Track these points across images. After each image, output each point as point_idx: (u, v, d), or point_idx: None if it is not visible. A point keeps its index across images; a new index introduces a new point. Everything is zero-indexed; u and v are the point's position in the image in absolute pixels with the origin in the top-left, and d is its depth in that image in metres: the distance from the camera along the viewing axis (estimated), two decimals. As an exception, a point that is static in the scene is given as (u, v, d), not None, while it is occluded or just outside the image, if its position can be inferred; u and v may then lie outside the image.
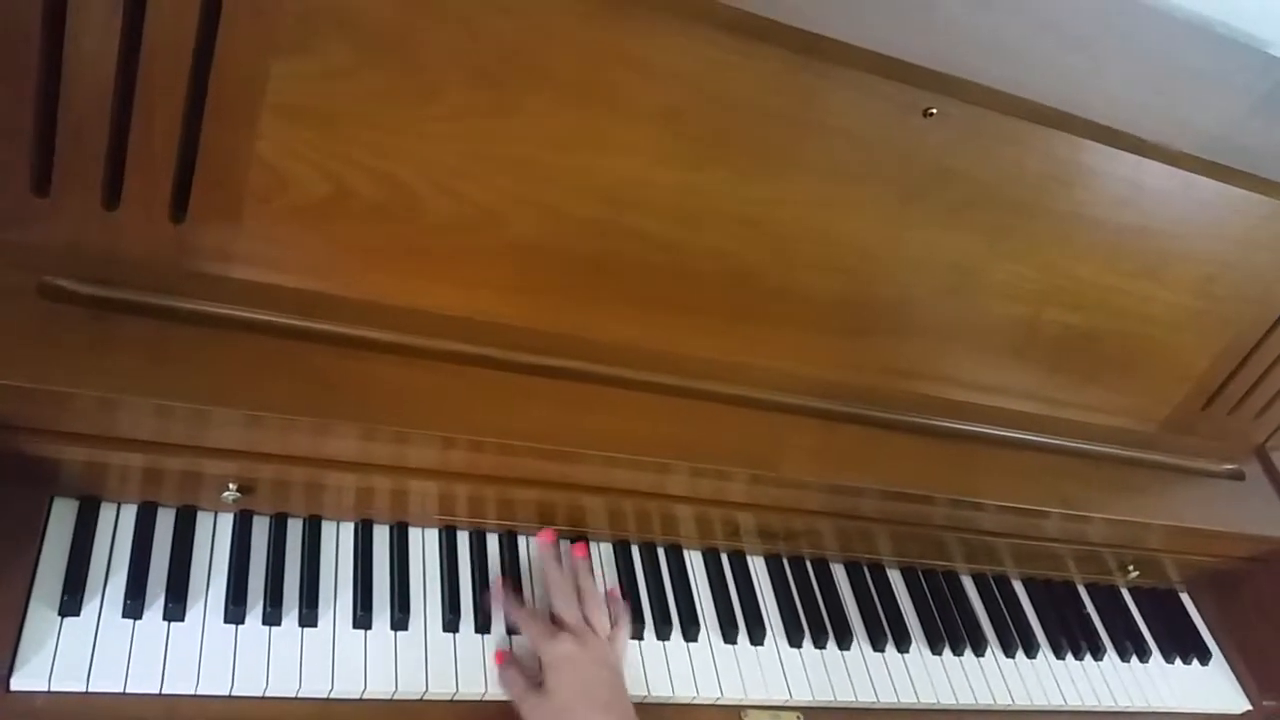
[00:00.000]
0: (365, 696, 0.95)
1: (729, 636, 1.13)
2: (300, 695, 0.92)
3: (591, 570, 1.09)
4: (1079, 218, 1.10)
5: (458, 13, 0.83)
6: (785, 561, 1.23)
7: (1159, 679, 1.35)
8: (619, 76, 0.89)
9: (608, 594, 1.09)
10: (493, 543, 1.09)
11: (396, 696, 0.96)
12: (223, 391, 0.88)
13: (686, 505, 1.13)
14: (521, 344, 1.02)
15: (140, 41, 0.78)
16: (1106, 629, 1.37)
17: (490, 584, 1.06)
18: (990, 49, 1.05)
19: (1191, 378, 1.32)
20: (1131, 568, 1.40)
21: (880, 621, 1.23)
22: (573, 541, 1.13)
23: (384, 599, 1.00)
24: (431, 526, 1.08)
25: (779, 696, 1.11)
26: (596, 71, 0.88)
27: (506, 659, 1.00)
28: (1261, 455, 1.44)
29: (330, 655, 0.95)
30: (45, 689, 0.84)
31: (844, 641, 1.19)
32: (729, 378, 1.11)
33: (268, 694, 0.91)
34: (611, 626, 1.04)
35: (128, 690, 0.87)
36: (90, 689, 0.86)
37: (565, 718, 0.93)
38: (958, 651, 1.25)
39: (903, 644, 1.22)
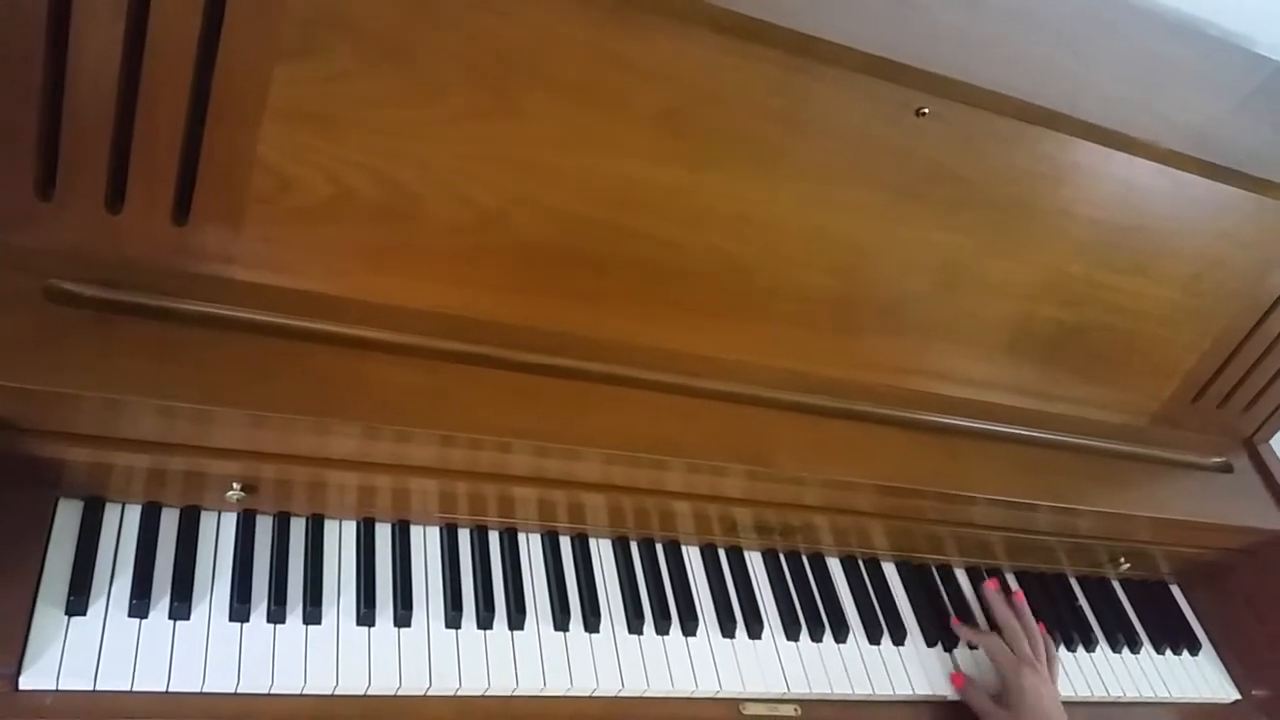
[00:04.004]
0: (369, 693, 0.96)
1: (727, 631, 1.14)
2: (305, 692, 0.93)
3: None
4: (1069, 215, 1.12)
5: (458, 17, 0.84)
6: (782, 556, 1.25)
7: (1150, 669, 1.37)
8: (617, 78, 0.91)
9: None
10: (494, 540, 1.10)
11: (400, 693, 0.97)
12: (226, 392, 0.89)
13: (684, 501, 1.14)
14: (521, 343, 1.03)
15: (144, 45, 0.79)
16: (1098, 620, 1.39)
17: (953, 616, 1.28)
18: (981, 49, 1.06)
19: (1180, 372, 1.33)
20: (1122, 560, 1.42)
21: (876, 614, 1.24)
22: (987, 576, 1.32)
23: (387, 596, 1.01)
24: (433, 524, 1.08)
25: (776, 690, 1.12)
26: (595, 74, 0.90)
27: (966, 680, 1.20)
28: (1249, 448, 1.46)
29: (334, 652, 0.96)
30: (53, 688, 0.85)
31: (840, 635, 1.20)
32: (726, 375, 1.12)
33: (273, 691, 0.92)
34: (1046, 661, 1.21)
35: (134, 688, 0.87)
36: (97, 687, 0.86)
37: None
38: (952, 644, 1.26)
39: (898, 637, 1.23)
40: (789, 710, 1.13)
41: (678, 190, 0.99)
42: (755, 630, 1.16)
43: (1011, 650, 1.21)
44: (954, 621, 1.27)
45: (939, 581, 1.32)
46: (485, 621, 1.04)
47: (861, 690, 1.17)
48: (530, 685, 1.01)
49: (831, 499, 1.19)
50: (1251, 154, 1.15)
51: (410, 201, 0.93)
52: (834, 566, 1.28)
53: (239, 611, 0.94)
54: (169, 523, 0.97)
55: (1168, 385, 1.34)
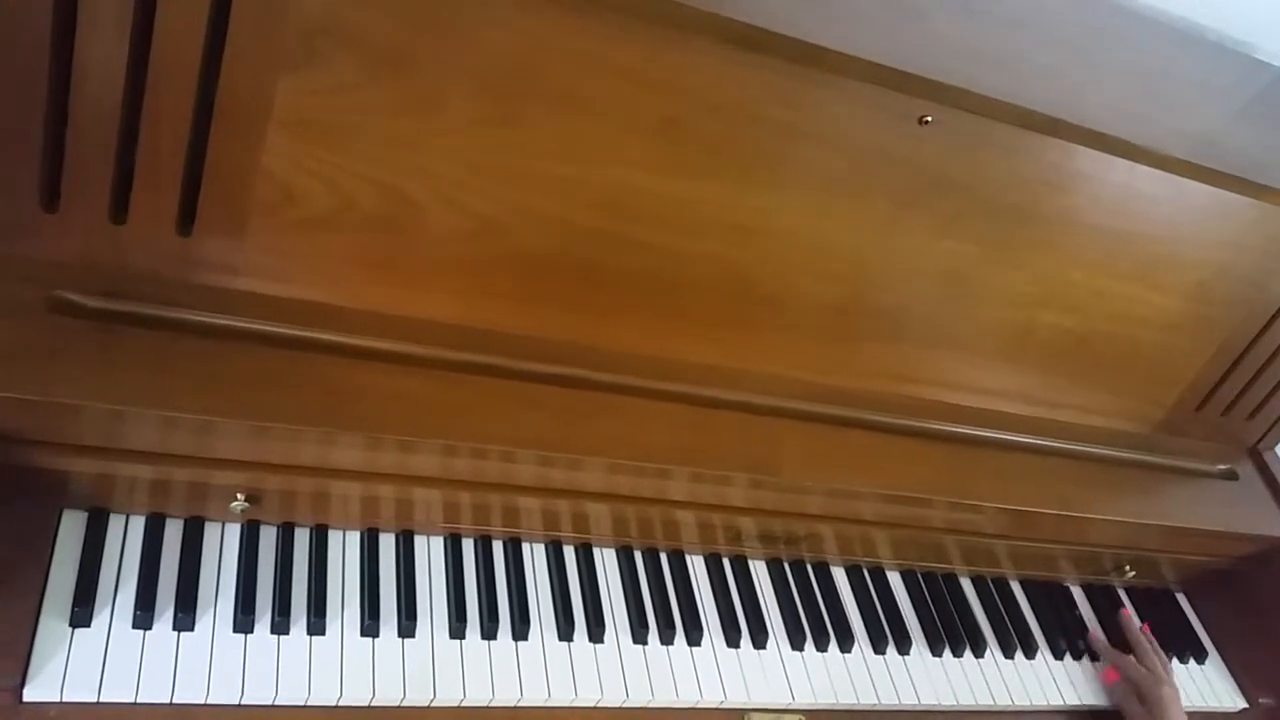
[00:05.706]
0: (374, 704, 0.95)
1: (732, 640, 1.14)
2: (309, 703, 0.93)
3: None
4: (1072, 223, 1.12)
5: (460, 28, 0.84)
6: (787, 565, 1.24)
7: (1157, 678, 1.37)
8: (618, 88, 0.91)
9: None
10: (498, 550, 1.10)
11: (405, 704, 0.97)
12: (230, 403, 0.89)
13: (689, 511, 1.14)
14: (523, 352, 1.03)
15: (148, 57, 0.79)
16: (1105, 629, 1.38)
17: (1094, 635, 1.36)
18: (983, 57, 1.07)
19: (1185, 379, 1.33)
20: (1128, 568, 1.42)
21: (881, 624, 1.24)
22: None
23: (391, 607, 1.01)
24: (437, 534, 1.08)
25: (782, 699, 1.12)
26: (596, 83, 0.90)
27: (1118, 678, 1.30)
28: (1254, 455, 1.46)
29: (339, 663, 0.96)
30: (57, 699, 0.85)
31: (845, 644, 1.20)
32: (729, 384, 1.12)
33: (277, 702, 0.92)
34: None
35: (139, 700, 0.87)
36: (102, 699, 0.86)
37: None
38: (957, 653, 1.26)
39: (903, 646, 1.23)
40: (794, 719, 1.12)
41: (680, 200, 0.99)
42: (760, 640, 1.15)
43: (1147, 669, 1.28)
44: (1091, 636, 1.36)
45: (945, 590, 1.32)
46: (490, 632, 1.03)
47: (867, 700, 1.16)
48: (535, 696, 1.01)
49: (837, 508, 1.18)
50: (1253, 160, 1.15)
51: (413, 211, 0.93)
52: (839, 575, 1.27)
53: (243, 623, 0.94)
54: (173, 534, 0.97)
55: (1171, 393, 1.34)
